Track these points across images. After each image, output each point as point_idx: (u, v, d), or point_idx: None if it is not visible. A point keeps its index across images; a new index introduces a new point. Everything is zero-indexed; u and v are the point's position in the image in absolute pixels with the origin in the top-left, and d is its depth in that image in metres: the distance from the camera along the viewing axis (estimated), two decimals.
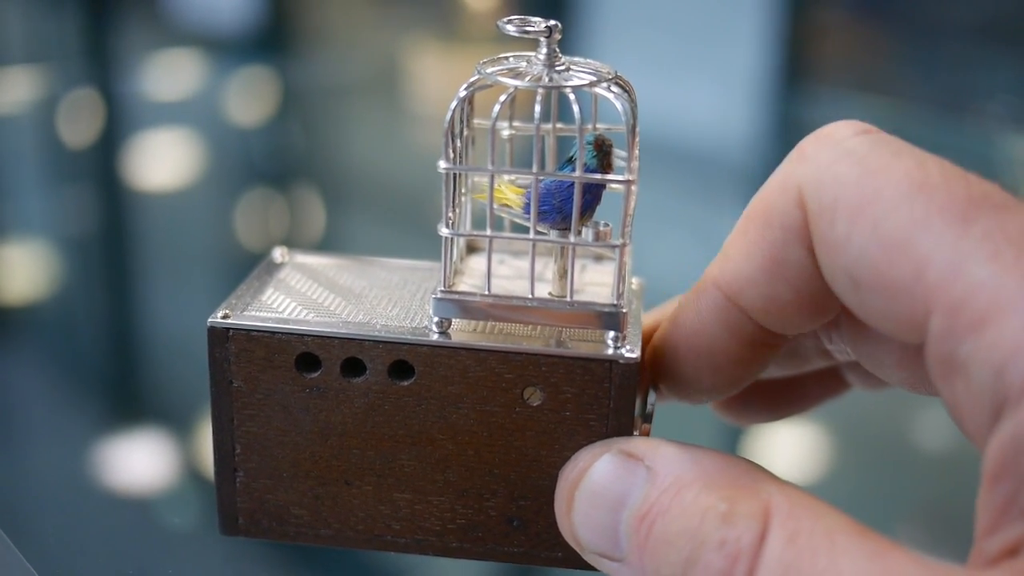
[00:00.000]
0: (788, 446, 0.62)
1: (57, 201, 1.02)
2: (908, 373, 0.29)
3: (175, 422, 0.62)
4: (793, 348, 0.32)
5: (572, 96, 0.27)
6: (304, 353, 0.28)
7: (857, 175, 0.24)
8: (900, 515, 0.56)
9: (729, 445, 0.55)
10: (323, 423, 0.29)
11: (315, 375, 0.29)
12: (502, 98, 0.27)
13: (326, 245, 0.96)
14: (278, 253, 0.33)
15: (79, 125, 1.19)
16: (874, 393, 0.34)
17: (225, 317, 0.29)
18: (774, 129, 1.23)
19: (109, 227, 0.97)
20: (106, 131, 1.20)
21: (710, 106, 1.22)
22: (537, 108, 0.27)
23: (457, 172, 0.29)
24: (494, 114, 0.27)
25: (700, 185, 0.97)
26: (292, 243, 0.98)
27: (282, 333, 0.28)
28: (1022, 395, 0.21)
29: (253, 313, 0.29)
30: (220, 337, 0.29)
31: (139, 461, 0.57)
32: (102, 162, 1.13)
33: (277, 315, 0.29)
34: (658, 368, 0.30)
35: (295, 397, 0.29)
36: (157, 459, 0.58)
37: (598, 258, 0.32)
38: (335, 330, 0.28)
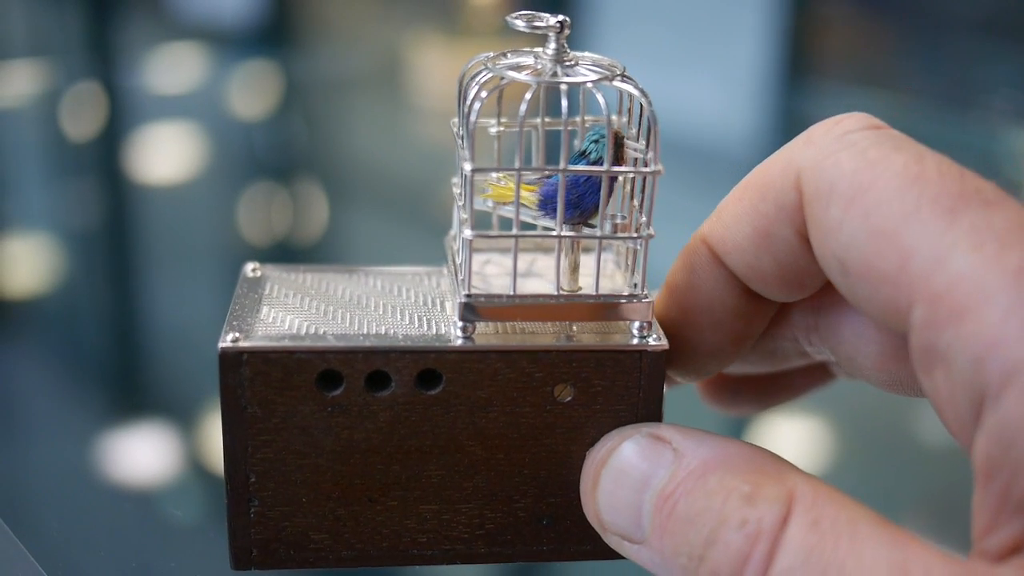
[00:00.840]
0: (791, 439, 0.62)
1: (60, 195, 1.02)
2: (886, 374, 0.29)
3: (178, 416, 0.62)
4: (772, 349, 0.32)
5: (596, 91, 0.27)
6: (325, 370, 0.27)
7: (856, 165, 0.24)
8: (902, 508, 0.56)
9: None
10: (345, 441, 0.28)
11: (337, 392, 0.27)
12: (527, 96, 0.27)
13: (329, 239, 0.96)
14: (249, 268, 0.32)
15: (82, 119, 1.19)
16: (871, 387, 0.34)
17: (235, 340, 0.27)
18: (776, 124, 1.23)
19: (112, 221, 0.97)
20: (109, 125, 1.20)
21: (712, 101, 1.22)
22: (564, 103, 0.27)
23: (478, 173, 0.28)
24: (522, 112, 0.27)
25: (702, 180, 0.97)
26: (295, 238, 0.98)
27: (301, 352, 0.27)
28: (1002, 388, 0.21)
29: (262, 333, 0.28)
30: (233, 362, 0.27)
31: (142, 455, 0.57)
32: (105, 156, 1.13)
33: (288, 333, 0.28)
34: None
35: (315, 417, 0.27)
36: (160, 453, 0.58)
37: (588, 250, 0.32)
38: (358, 344, 0.27)
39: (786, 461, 0.26)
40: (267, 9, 1.59)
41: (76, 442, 0.58)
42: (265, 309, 0.29)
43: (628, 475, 0.27)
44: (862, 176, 0.24)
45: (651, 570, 0.26)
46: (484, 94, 0.27)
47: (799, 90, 1.27)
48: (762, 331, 0.31)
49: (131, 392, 0.69)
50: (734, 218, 0.28)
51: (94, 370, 0.71)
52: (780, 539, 0.23)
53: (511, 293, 0.28)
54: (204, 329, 0.76)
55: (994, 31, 1.24)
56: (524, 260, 0.32)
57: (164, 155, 1.11)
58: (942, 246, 0.22)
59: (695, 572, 0.24)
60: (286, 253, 0.90)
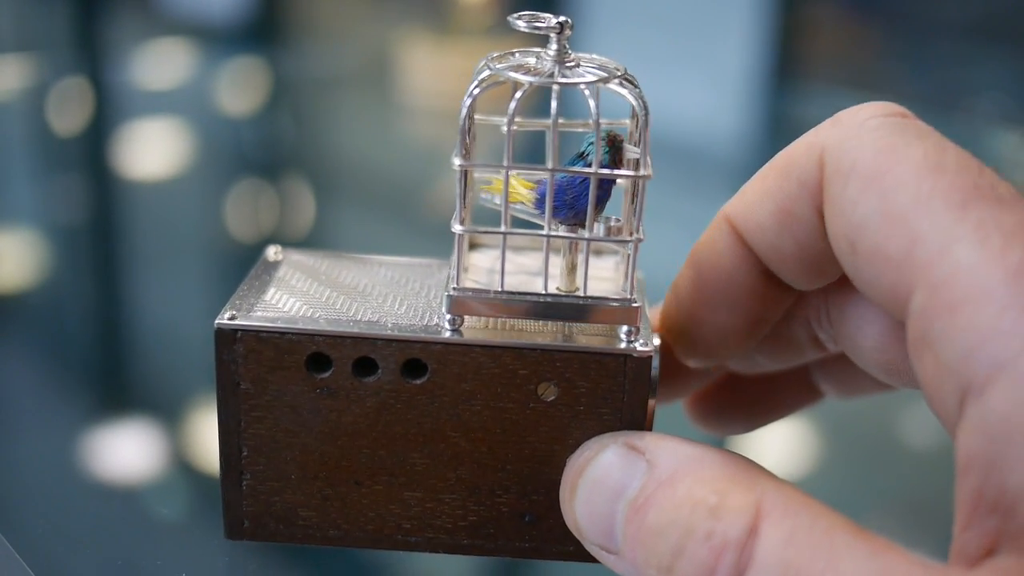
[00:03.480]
0: (778, 447, 0.62)
1: (46, 190, 1.02)
2: (885, 357, 0.29)
3: (165, 412, 0.62)
4: (786, 337, 0.32)
5: (587, 93, 0.27)
6: (315, 353, 0.28)
7: (878, 148, 0.25)
8: (885, 512, 0.56)
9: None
10: (333, 424, 0.28)
11: (326, 375, 0.28)
12: (517, 95, 0.27)
13: (316, 237, 0.96)
14: (272, 251, 0.33)
15: (69, 114, 1.19)
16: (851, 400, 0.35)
17: (232, 318, 0.28)
18: (765, 125, 1.23)
19: (98, 216, 0.97)
20: (96, 120, 1.20)
21: (701, 102, 1.22)
22: (554, 104, 0.27)
23: (468, 169, 0.28)
24: (510, 111, 0.27)
25: (691, 181, 0.98)
26: (282, 235, 0.97)
27: (292, 333, 0.28)
28: (987, 383, 0.21)
29: (260, 313, 0.29)
30: (228, 338, 0.28)
31: (128, 451, 0.57)
32: (92, 151, 1.12)
33: (285, 315, 0.29)
34: (675, 316, 0.30)
35: (304, 398, 0.28)
36: (146, 449, 0.58)
37: (597, 252, 0.33)
38: (347, 329, 0.28)
39: (759, 468, 0.26)
40: (255, 5, 1.58)
41: (62, 438, 0.58)
42: (271, 291, 0.30)
43: (603, 485, 0.27)
44: (882, 159, 0.24)
45: None
46: (477, 91, 0.27)
47: (787, 92, 1.27)
48: (775, 320, 0.31)
49: (118, 388, 0.68)
50: (757, 197, 0.28)
51: (80, 366, 0.71)
52: (753, 552, 0.23)
53: (499, 289, 0.28)
54: (191, 325, 0.75)
55: (981, 34, 1.24)
56: (534, 258, 0.32)
57: (152, 151, 1.11)
58: (948, 237, 0.22)
59: None
60: None
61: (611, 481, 0.26)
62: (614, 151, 0.28)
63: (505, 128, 0.30)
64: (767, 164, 0.28)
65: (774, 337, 0.33)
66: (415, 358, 0.28)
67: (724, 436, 0.37)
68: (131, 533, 0.50)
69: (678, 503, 0.25)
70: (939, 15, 1.27)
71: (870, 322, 0.29)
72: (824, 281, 0.29)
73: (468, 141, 0.28)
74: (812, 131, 0.27)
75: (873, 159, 0.24)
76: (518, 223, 0.29)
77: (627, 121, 0.30)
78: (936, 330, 0.22)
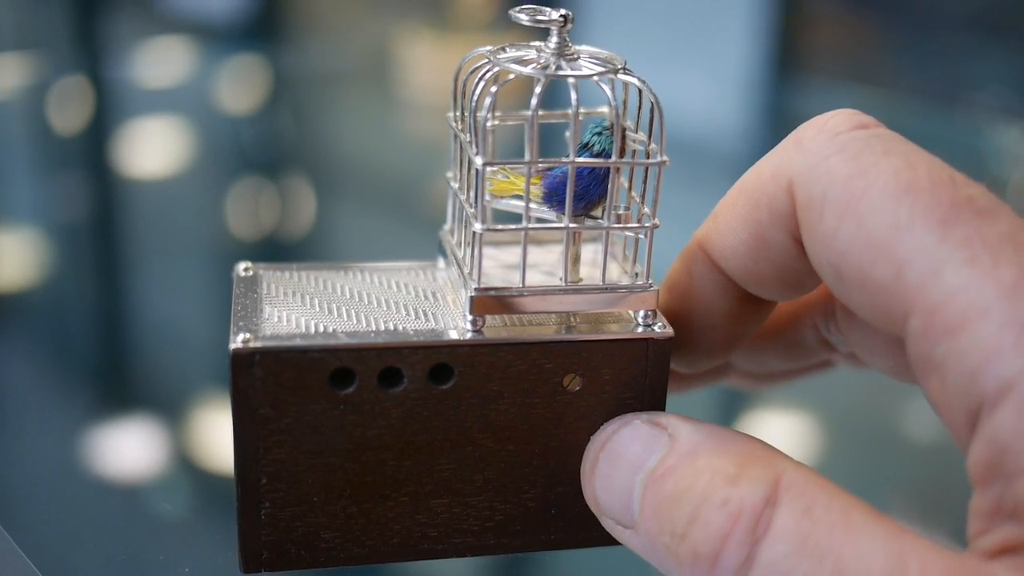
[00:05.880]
0: (783, 432, 0.62)
1: (47, 189, 1.02)
2: (894, 362, 0.30)
3: (166, 409, 0.62)
4: (795, 340, 0.33)
5: (600, 84, 0.27)
6: (338, 368, 0.27)
7: (847, 172, 0.24)
8: (891, 502, 0.56)
9: None
10: (357, 439, 0.28)
11: (349, 390, 0.27)
12: (537, 89, 0.27)
13: (317, 234, 0.96)
14: (241, 268, 0.31)
15: (69, 112, 1.19)
16: (863, 376, 0.35)
17: (246, 341, 0.27)
18: (765, 120, 1.23)
19: (99, 215, 0.97)
20: (96, 118, 1.20)
21: (702, 96, 1.22)
22: (574, 96, 0.27)
23: (487, 167, 0.28)
24: (533, 105, 0.27)
25: (691, 176, 0.98)
26: (283, 232, 0.97)
27: (314, 350, 0.27)
28: (997, 399, 0.21)
29: (270, 333, 0.27)
30: (245, 363, 0.26)
31: (130, 449, 0.57)
32: (92, 150, 1.12)
33: (297, 332, 0.28)
34: None
35: (327, 416, 0.27)
36: (148, 446, 0.58)
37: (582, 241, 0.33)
38: (371, 341, 0.27)
39: (779, 450, 0.26)
40: (255, 3, 1.58)
41: (65, 436, 0.58)
42: (268, 309, 0.29)
43: (624, 458, 0.27)
44: (854, 184, 0.24)
45: (640, 554, 0.26)
46: (494, 88, 0.27)
47: (788, 86, 1.27)
48: (755, 331, 0.31)
49: (119, 386, 0.68)
50: (729, 223, 0.28)
51: (82, 364, 0.71)
52: (770, 523, 0.23)
53: (520, 285, 0.28)
54: (192, 323, 0.75)
55: (982, 28, 1.24)
56: (515, 253, 0.32)
57: (152, 149, 1.11)
58: (936, 259, 0.22)
59: (676, 551, 0.24)
60: (274, 248, 0.90)
61: (632, 455, 0.27)
62: (620, 140, 0.28)
63: (489, 125, 0.30)
64: (735, 187, 0.28)
65: (783, 342, 0.33)
66: (442, 363, 0.27)
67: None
68: (134, 529, 0.50)
69: (697, 472, 0.25)
70: (940, 8, 1.27)
71: (875, 331, 0.29)
72: (805, 293, 0.29)
73: (487, 140, 0.28)
74: (776, 153, 0.27)
75: (844, 186, 0.24)
76: (516, 218, 0.29)
77: (605, 109, 0.30)
78: (938, 354, 0.22)
